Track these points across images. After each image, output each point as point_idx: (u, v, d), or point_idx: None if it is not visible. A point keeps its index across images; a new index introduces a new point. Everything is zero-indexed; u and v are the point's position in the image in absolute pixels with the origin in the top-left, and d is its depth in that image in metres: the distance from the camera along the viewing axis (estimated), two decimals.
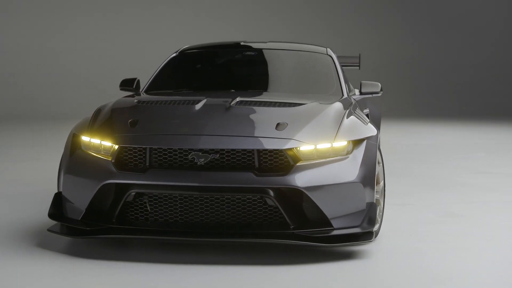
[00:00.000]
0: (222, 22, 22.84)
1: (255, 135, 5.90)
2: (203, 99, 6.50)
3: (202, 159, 5.81)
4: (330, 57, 7.84)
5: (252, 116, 6.15)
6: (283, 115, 6.16)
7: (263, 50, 8.04)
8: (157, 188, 5.82)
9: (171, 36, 21.56)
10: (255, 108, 6.32)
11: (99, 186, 5.90)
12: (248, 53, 8.00)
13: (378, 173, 6.69)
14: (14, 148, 13.26)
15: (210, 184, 5.74)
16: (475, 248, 6.39)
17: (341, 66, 9.94)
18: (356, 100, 7.63)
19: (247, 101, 6.46)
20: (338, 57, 9.95)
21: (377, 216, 6.59)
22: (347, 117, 6.31)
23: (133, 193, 5.87)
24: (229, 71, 8.01)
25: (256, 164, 5.82)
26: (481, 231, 7.02)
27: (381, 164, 6.74)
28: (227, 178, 5.75)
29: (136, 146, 5.92)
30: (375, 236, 6.44)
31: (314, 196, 5.81)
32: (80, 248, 6.10)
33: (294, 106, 6.38)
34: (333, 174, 5.91)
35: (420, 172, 10.76)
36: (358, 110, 6.94)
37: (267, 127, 5.97)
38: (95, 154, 6.06)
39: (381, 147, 9.47)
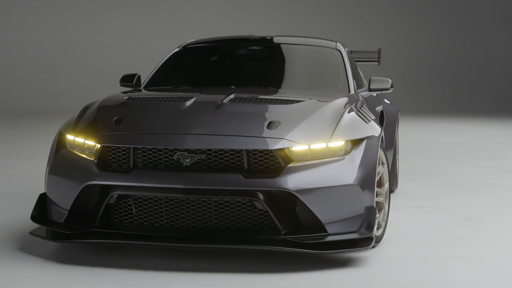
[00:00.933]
0: (239, 14, 22.34)
1: (245, 134, 5.54)
2: (195, 96, 6.16)
3: (188, 160, 5.48)
4: (338, 52, 7.44)
5: (243, 114, 5.79)
6: (276, 113, 5.80)
7: (268, 44, 7.68)
8: (140, 190, 5.50)
9: (184, 31, 21.04)
10: (248, 105, 5.96)
11: (81, 188, 5.61)
12: (253, 47, 7.63)
13: (381, 175, 6.32)
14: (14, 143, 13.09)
15: (195, 186, 5.40)
16: (485, 256, 5.97)
17: (356, 61, 9.61)
18: (366, 97, 7.22)
19: (241, 98, 6.10)
20: (356, 52, 9.59)
21: (380, 220, 6.21)
22: (347, 115, 5.92)
23: (116, 195, 5.56)
24: (231, 66, 7.65)
25: (245, 165, 5.47)
26: (497, 237, 6.59)
27: (385, 165, 6.35)
28: (213, 180, 5.41)
29: (119, 145, 5.61)
30: (377, 242, 6.08)
31: (306, 200, 5.45)
32: (65, 253, 5.80)
33: (289, 103, 6.00)
34: (328, 176, 5.54)
35: (446, 171, 10.33)
36: (364, 108, 6.55)
37: (257, 126, 5.61)
38: (79, 154, 5.77)
39: (399, 146, 9.05)
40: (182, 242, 5.41)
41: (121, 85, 7.51)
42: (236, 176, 5.40)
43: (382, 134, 6.24)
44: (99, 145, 5.65)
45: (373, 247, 6.06)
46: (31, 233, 5.80)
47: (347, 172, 5.61)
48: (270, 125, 5.61)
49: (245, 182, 5.39)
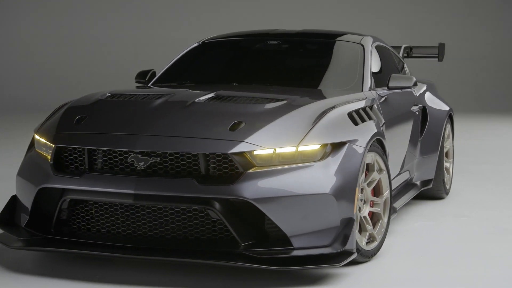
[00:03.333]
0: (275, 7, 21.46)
1: (203, 136, 5.04)
2: (170, 94, 5.71)
3: (142, 163, 5.03)
4: (361, 47, 6.78)
5: (209, 115, 5.28)
6: (245, 114, 5.25)
7: (287, 39, 7.10)
8: (91, 194, 5.10)
9: (213, 26, 20.07)
10: (220, 105, 5.44)
11: (36, 190, 5.28)
12: (271, 42, 7.08)
13: (379, 183, 5.70)
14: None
15: (145, 191, 4.96)
16: (488, 280, 5.25)
17: (416, 57, 8.91)
18: (386, 96, 6.54)
19: (221, 97, 5.59)
20: (416, 48, 8.89)
21: (375, 233, 5.60)
22: (329, 117, 5.30)
23: (68, 200, 5.18)
24: (240, 62, 7.12)
25: (202, 170, 4.98)
26: None
27: (384, 171, 5.71)
28: (165, 185, 4.95)
29: (72, 146, 5.23)
30: (368, 257, 5.48)
31: (267, 210, 4.91)
32: (24, 260, 5.47)
33: (264, 103, 5.43)
34: (295, 183, 4.97)
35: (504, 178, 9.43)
36: (372, 108, 5.93)
37: (220, 127, 5.09)
38: (43, 154, 5.44)
39: (454, 149, 8.27)
40: (135, 253, 4.98)
41: (136, 82, 7.15)
42: (190, 182, 4.93)
43: (381, 137, 5.65)
44: (53, 146, 5.30)
45: (363, 262, 5.47)
46: None
47: (319, 179, 5.03)
48: (233, 126, 5.09)
49: (199, 189, 4.91)
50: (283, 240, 4.98)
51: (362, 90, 6.31)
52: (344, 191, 5.10)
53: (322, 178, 5.03)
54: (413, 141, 7.25)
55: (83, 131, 5.28)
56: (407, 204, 7.62)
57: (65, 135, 5.31)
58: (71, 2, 20.87)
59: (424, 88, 8.03)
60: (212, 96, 5.58)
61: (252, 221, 4.97)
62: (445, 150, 8.14)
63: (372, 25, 20.60)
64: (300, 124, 5.15)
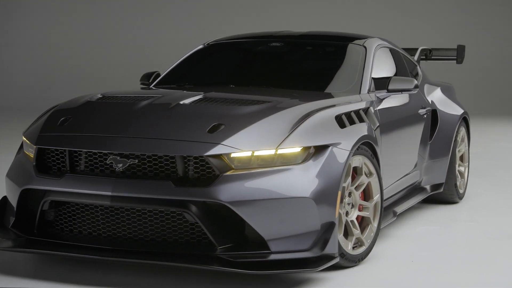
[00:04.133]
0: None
1: (181, 138, 5.00)
2: (160, 95, 5.69)
3: (121, 165, 5.02)
4: (364, 49, 6.68)
5: (190, 117, 5.23)
6: (225, 115, 5.19)
7: (290, 41, 7.02)
8: (70, 196, 5.10)
9: (224, 28, 19.73)
10: (203, 107, 5.39)
11: (19, 192, 5.30)
12: (273, 44, 7.01)
13: (369, 187, 5.61)
14: None
15: (121, 193, 4.94)
16: (474, 286, 5.13)
17: (434, 59, 8.76)
18: (386, 98, 6.43)
19: (207, 99, 5.55)
20: (434, 50, 8.74)
21: (363, 238, 5.52)
22: (313, 119, 5.22)
23: (49, 201, 5.19)
24: (240, 65, 7.07)
25: (180, 172, 4.95)
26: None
27: (374, 175, 5.62)
28: (141, 187, 4.92)
29: (54, 147, 5.24)
30: (355, 262, 5.41)
31: (243, 213, 4.85)
32: (12, 264, 5.50)
33: (248, 105, 5.36)
34: (273, 186, 4.91)
35: None
36: (368, 111, 5.84)
37: (199, 130, 5.05)
38: (29, 156, 5.46)
39: (469, 153, 8.10)
40: (114, 256, 4.95)
41: (140, 83, 7.16)
42: (167, 184, 4.90)
43: (371, 140, 5.57)
44: (35, 147, 5.32)
45: (349, 266, 5.39)
46: None
47: (299, 182, 4.96)
48: (212, 128, 5.04)
49: (175, 191, 4.87)
50: (261, 243, 4.92)
51: (360, 93, 6.22)
52: (325, 194, 5.02)
53: (302, 181, 4.96)
54: (420, 144, 7.13)
55: (65, 132, 5.29)
56: (416, 208, 7.50)
57: (47, 137, 5.32)
58: (76, 4, 20.92)
59: (437, 90, 7.89)
60: (199, 98, 5.54)
61: (232, 224, 4.92)
62: (459, 154, 7.98)
63: (391, 27, 20.32)
64: (281, 126, 5.09)
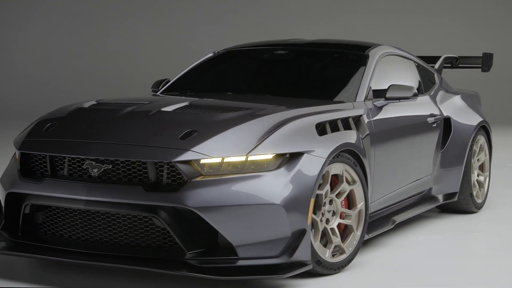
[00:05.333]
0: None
1: (153, 144, 5.08)
2: (144, 103, 5.78)
3: (96, 170, 5.12)
4: (366, 57, 6.63)
5: (167, 123, 5.29)
6: (200, 122, 5.25)
7: (295, 50, 7.02)
8: (49, 200, 5.23)
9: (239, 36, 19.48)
10: (182, 114, 5.45)
11: (5, 195, 5.46)
12: (278, 52, 7.04)
13: (351, 195, 5.59)
14: None
15: (93, 198, 5.04)
16: None
17: (461, 67, 8.63)
18: (385, 105, 6.38)
19: (192, 106, 5.61)
20: (461, 58, 8.62)
21: (343, 246, 5.50)
22: (290, 126, 5.23)
23: (29, 205, 5.33)
24: (243, 73, 7.11)
25: (152, 178, 5.02)
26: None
27: (357, 183, 5.59)
28: (112, 192, 5.02)
29: (36, 152, 5.38)
30: (334, 270, 5.41)
31: (210, 219, 4.90)
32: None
33: (225, 113, 5.40)
34: (242, 193, 4.94)
35: None
36: (360, 119, 5.83)
37: (171, 136, 5.11)
38: (17, 160, 5.61)
39: (490, 162, 7.96)
40: (90, 259, 5.05)
41: (152, 90, 7.27)
42: (137, 189, 4.98)
43: (354, 148, 5.56)
44: (18, 152, 5.47)
45: (328, 274, 5.38)
46: None
47: (269, 189, 4.98)
48: (185, 135, 5.10)
49: (144, 196, 4.95)
50: (229, 249, 4.96)
51: (355, 100, 6.19)
52: (297, 201, 5.03)
53: (272, 188, 4.98)
54: (428, 153, 7.05)
55: (47, 137, 5.42)
56: (427, 217, 7.43)
57: (31, 142, 5.46)
58: (86, 13, 21.10)
59: (455, 98, 7.78)
60: (184, 105, 5.61)
61: (202, 230, 4.97)
62: (478, 163, 7.87)
63: (417, 34, 20.00)
64: (254, 133, 5.11)
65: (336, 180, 5.51)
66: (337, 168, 5.44)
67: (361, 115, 5.95)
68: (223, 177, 4.96)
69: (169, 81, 7.18)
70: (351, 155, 5.59)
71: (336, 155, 5.39)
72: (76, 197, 5.08)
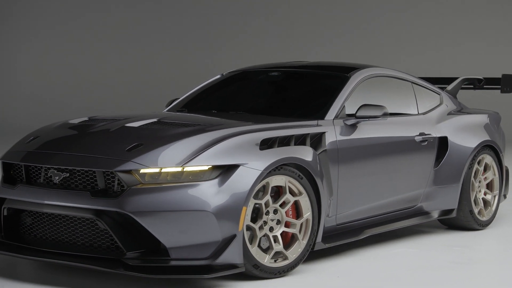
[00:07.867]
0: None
1: (102, 155, 5.70)
2: (120, 119, 6.40)
3: (57, 177, 5.79)
4: (346, 79, 7.03)
5: (122, 137, 5.89)
6: (149, 136, 5.84)
7: (285, 72, 7.49)
8: (20, 204, 5.92)
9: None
10: (139, 129, 6.04)
11: None
12: (272, 73, 7.55)
13: (298, 205, 6.04)
14: None
15: (50, 202, 5.71)
16: None
17: (479, 88, 8.82)
18: (374, 122, 6.79)
19: (159, 122, 6.20)
20: (479, 79, 8.79)
21: (287, 252, 5.95)
22: (231, 141, 5.74)
23: (6, 208, 6.05)
24: (232, 93, 7.65)
25: (101, 185, 5.65)
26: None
27: (304, 194, 6.02)
28: (65, 197, 5.66)
29: (14, 162, 6.08)
30: (279, 273, 5.87)
31: (146, 223, 5.47)
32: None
33: (178, 127, 5.98)
34: (176, 200, 5.50)
35: None
36: (322, 137, 6.28)
37: (120, 148, 5.72)
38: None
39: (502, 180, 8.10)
40: (51, 257, 5.71)
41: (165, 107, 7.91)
42: (85, 195, 5.61)
43: (301, 163, 6.00)
44: (0, 161, 6.21)
45: (269, 278, 5.84)
46: None
47: (202, 197, 5.51)
48: (132, 147, 5.70)
49: (91, 201, 5.58)
50: (163, 251, 5.51)
51: (323, 119, 6.59)
52: (228, 209, 5.53)
53: (205, 196, 5.51)
54: (415, 170, 7.33)
55: (25, 149, 6.13)
56: (420, 231, 7.71)
57: (12, 152, 6.19)
58: (101, 32, 21.61)
59: (461, 118, 7.99)
60: (152, 122, 6.21)
61: (141, 233, 5.54)
62: (485, 182, 8.06)
63: (437, 57, 19.75)
64: (193, 147, 5.65)
65: (281, 191, 5.96)
66: (279, 180, 5.89)
67: (324, 133, 6.36)
68: (162, 186, 5.52)
69: (177, 100, 7.81)
70: (298, 168, 6.02)
71: (278, 168, 5.85)
72: (39, 201, 5.76)
